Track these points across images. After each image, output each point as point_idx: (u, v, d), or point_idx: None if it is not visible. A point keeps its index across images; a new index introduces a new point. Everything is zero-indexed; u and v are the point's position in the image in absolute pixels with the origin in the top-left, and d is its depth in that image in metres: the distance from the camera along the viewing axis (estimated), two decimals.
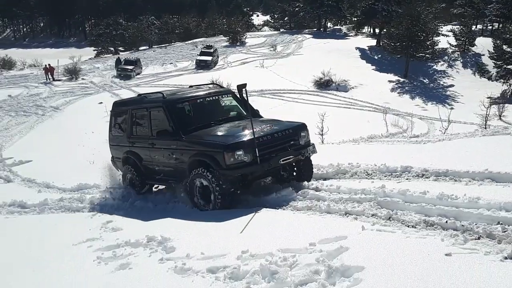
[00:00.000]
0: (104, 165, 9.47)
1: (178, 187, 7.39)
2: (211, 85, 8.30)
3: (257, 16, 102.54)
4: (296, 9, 59.84)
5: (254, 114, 7.58)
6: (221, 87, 8.16)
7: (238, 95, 7.69)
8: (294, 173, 7.22)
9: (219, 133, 6.73)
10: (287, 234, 4.57)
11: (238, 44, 50.40)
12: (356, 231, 4.35)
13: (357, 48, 43.74)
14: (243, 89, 6.80)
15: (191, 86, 8.55)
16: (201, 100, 7.58)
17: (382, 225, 4.56)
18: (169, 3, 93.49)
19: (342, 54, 40.34)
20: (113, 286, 3.98)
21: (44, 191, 10.20)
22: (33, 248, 5.69)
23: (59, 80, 36.58)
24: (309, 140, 7.03)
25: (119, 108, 8.75)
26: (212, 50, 41.16)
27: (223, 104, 7.94)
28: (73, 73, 37.58)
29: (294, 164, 6.99)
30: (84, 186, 9.76)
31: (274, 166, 6.32)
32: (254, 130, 6.23)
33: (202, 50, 41.91)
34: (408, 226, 4.52)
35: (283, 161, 6.36)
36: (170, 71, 39.22)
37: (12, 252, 5.75)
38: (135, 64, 38.37)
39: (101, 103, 25.94)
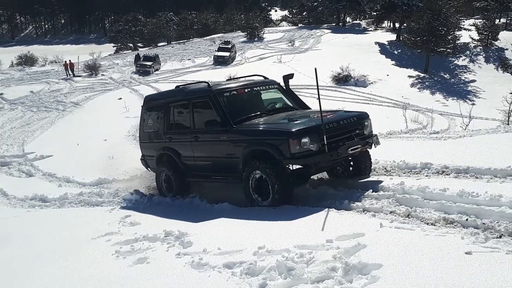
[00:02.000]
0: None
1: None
2: (255, 77, 7.90)
3: (275, 11, 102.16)
4: (315, 3, 59.35)
5: (303, 105, 7.39)
6: (266, 78, 7.76)
7: (284, 87, 7.37)
8: (351, 168, 6.82)
9: (278, 121, 6.30)
10: (304, 230, 4.56)
11: (256, 39, 50.33)
12: (374, 228, 4.30)
13: (376, 43, 43.22)
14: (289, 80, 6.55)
15: (230, 79, 8.12)
16: (249, 90, 7.17)
17: (400, 223, 4.49)
18: None
19: (361, 49, 39.90)
20: (131, 279, 4.02)
21: (64, 185, 10.37)
22: (53, 241, 5.79)
23: (79, 76, 37.09)
24: (372, 130, 6.53)
25: (153, 102, 8.28)
26: (230, 46, 41.20)
27: (270, 95, 7.51)
28: (93, 69, 38.08)
29: (350, 158, 6.56)
30: (104, 181, 9.90)
31: (342, 155, 5.77)
32: (316, 117, 5.83)
33: (220, 45, 41.99)
34: (427, 224, 4.45)
35: (351, 150, 5.84)
36: (188, 67, 39.41)
37: (33, 245, 5.86)
38: (153, 60, 38.67)
39: (120, 98, 26.25)
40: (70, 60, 38.63)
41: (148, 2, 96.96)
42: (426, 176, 6.21)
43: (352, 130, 6.07)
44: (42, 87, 32.62)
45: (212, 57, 40.52)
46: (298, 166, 6.15)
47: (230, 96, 6.89)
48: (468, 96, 30.10)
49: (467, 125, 14.12)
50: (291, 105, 7.30)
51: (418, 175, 6.30)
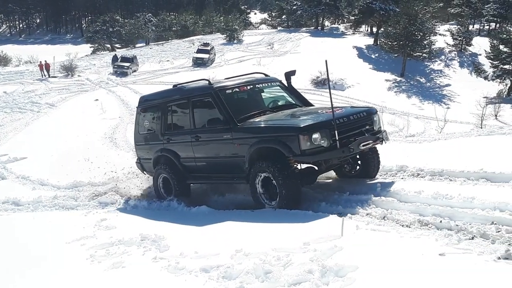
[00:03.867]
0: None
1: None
2: (256, 74, 7.62)
3: (255, 14, 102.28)
4: (294, 7, 59.73)
5: (305, 102, 7.21)
6: (267, 75, 7.56)
7: (286, 84, 7.23)
8: (358, 166, 6.66)
9: (285, 118, 6.08)
10: (282, 233, 4.56)
11: (235, 41, 50.34)
12: (350, 230, 4.34)
13: (354, 46, 43.78)
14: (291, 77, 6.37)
15: (230, 77, 7.69)
16: (251, 87, 6.93)
17: (376, 225, 4.55)
18: (167, 0, 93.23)
19: (339, 52, 40.28)
20: (106, 284, 3.95)
21: (39, 188, 10.13)
22: (26, 246, 5.64)
23: (55, 77, 36.43)
24: (381, 126, 6.33)
25: (149, 102, 7.97)
26: (209, 48, 41.10)
27: (272, 92, 7.30)
28: (69, 70, 37.46)
29: (358, 156, 6.42)
30: (79, 184, 9.70)
31: (355, 151, 5.50)
32: (324, 112, 5.66)
33: (199, 47, 41.83)
34: (402, 226, 4.52)
35: (363, 145, 5.58)
36: (166, 68, 39.15)
37: (3, 249, 5.70)
38: (131, 61, 38.26)
39: (97, 100, 25.88)
40: (45, 61, 37.92)
41: (126, 2, 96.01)
42: (402, 178, 6.32)
43: (362, 126, 5.87)
44: (16, 87, 31.87)
45: (191, 58, 40.34)
46: (305, 165, 6.01)
47: (232, 93, 6.64)
48: (443, 100, 30.74)
49: (442, 129, 14.44)
50: (294, 102, 7.08)
51: (394, 178, 6.40)
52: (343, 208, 5.33)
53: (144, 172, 8.50)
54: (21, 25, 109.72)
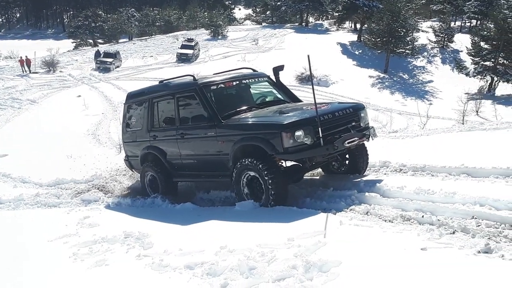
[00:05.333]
0: None
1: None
2: (243, 69, 7.49)
3: (239, 9, 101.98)
4: (278, 3, 59.67)
5: (294, 98, 7.10)
6: (255, 71, 7.43)
7: (274, 79, 7.14)
8: (346, 162, 6.59)
9: (269, 114, 5.98)
10: (266, 229, 4.58)
11: (219, 37, 50.10)
12: (334, 225, 4.37)
13: (338, 43, 43.98)
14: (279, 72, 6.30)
15: (218, 73, 7.59)
16: (237, 82, 6.79)
17: (359, 220, 4.59)
18: None
19: (323, 49, 40.43)
20: (89, 283, 3.91)
21: (20, 186, 9.95)
22: (6, 245, 5.56)
23: (36, 73, 35.85)
24: (368, 123, 6.24)
25: (135, 98, 7.84)
26: (193, 44, 40.84)
27: (260, 88, 7.20)
28: (50, 65, 36.91)
29: (346, 152, 6.33)
30: (62, 181, 9.56)
31: (339, 149, 5.42)
32: (308, 109, 5.61)
33: (183, 43, 41.55)
34: (385, 221, 4.57)
35: (348, 143, 5.48)
36: (150, 64, 38.81)
37: None
38: (114, 56, 37.82)
39: (79, 96, 25.55)
40: (26, 56, 37.25)
41: None
42: (385, 174, 6.38)
43: (348, 122, 5.75)
44: None
45: (175, 54, 40.06)
46: (291, 163, 5.96)
47: (217, 89, 6.54)
48: (426, 96, 31.13)
49: (424, 125, 14.62)
50: (282, 98, 6.98)
51: (377, 173, 6.46)
52: (327, 204, 5.37)
53: (133, 169, 8.42)
54: (0, 20, 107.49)
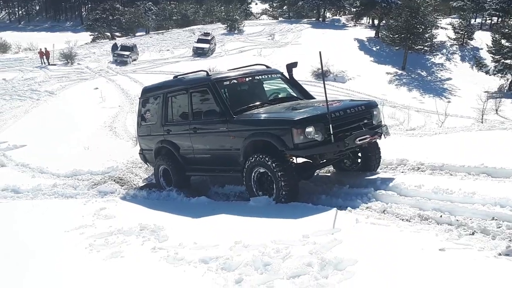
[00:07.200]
0: None
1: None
2: (257, 66, 7.55)
3: (256, 4, 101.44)
4: None
5: (307, 95, 7.13)
6: (268, 67, 7.49)
7: (287, 76, 7.13)
8: (359, 160, 6.55)
9: (281, 111, 5.98)
10: (281, 225, 4.55)
11: (236, 32, 50.04)
12: (350, 223, 4.32)
13: (355, 39, 43.56)
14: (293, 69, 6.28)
15: (232, 69, 7.70)
16: (250, 79, 6.83)
17: (376, 218, 4.54)
18: None
19: (340, 44, 40.11)
20: (104, 274, 3.94)
21: (38, 176, 10.11)
22: (24, 234, 5.64)
23: (54, 65, 36.29)
24: (381, 121, 6.20)
25: (150, 93, 7.92)
26: (209, 38, 40.88)
27: (273, 84, 7.22)
28: (68, 57, 37.33)
29: (358, 150, 6.29)
30: (78, 172, 9.68)
31: (350, 146, 5.35)
32: (320, 106, 5.58)
33: (200, 37, 41.64)
34: (402, 220, 4.50)
35: (359, 140, 5.41)
36: (167, 57, 38.98)
37: (2, 237, 5.69)
38: (131, 50, 38.11)
39: (96, 88, 25.80)
40: (45, 48, 37.73)
41: None
42: (402, 172, 6.29)
43: (360, 120, 5.71)
44: (15, 75, 31.78)
45: (191, 48, 40.14)
46: (302, 160, 5.93)
47: (230, 85, 6.59)
48: (444, 94, 30.69)
49: (442, 123, 14.38)
50: (295, 95, 6.99)
51: (394, 171, 6.37)
52: (343, 201, 5.32)
53: (147, 163, 8.50)
54: (20, 12, 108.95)
